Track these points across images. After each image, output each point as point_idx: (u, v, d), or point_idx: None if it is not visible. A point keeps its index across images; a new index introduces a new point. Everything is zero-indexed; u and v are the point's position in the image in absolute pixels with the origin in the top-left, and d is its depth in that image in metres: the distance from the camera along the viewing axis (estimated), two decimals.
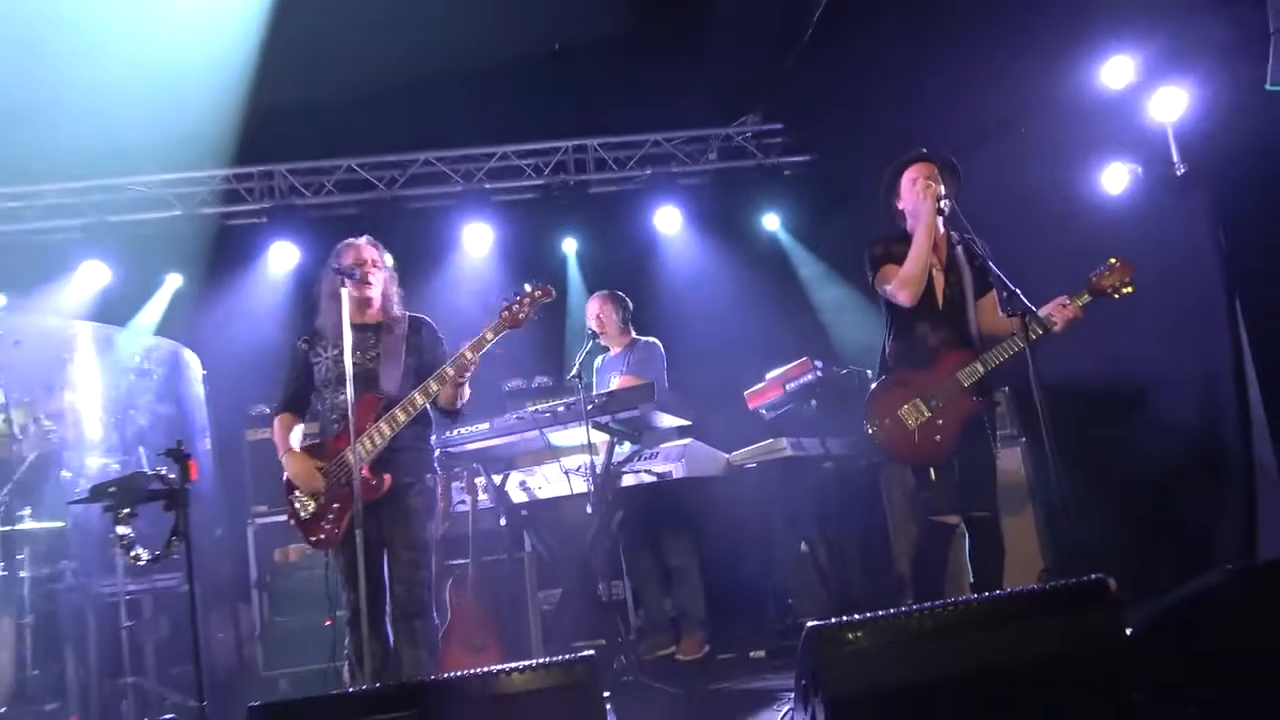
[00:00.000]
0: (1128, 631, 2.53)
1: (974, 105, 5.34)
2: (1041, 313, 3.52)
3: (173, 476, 3.23)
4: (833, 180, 6.75)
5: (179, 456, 3.17)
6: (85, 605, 4.83)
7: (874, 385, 3.91)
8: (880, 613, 2.55)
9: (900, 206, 3.92)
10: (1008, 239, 4.02)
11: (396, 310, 3.73)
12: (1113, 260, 3.65)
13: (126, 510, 3.37)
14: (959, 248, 3.86)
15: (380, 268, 3.71)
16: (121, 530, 3.35)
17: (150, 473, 3.33)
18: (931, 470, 3.72)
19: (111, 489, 3.31)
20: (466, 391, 3.67)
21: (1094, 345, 4.78)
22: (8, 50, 5.01)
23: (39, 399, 4.88)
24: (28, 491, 4.58)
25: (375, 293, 3.65)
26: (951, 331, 3.79)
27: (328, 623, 5.26)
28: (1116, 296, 3.64)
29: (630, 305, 5.33)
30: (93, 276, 6.21)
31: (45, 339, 3.27)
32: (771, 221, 7.06)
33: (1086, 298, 3.67)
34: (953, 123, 5.40)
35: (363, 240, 3.75)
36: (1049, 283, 3.75)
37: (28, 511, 4.55)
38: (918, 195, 3.77)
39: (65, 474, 4.76)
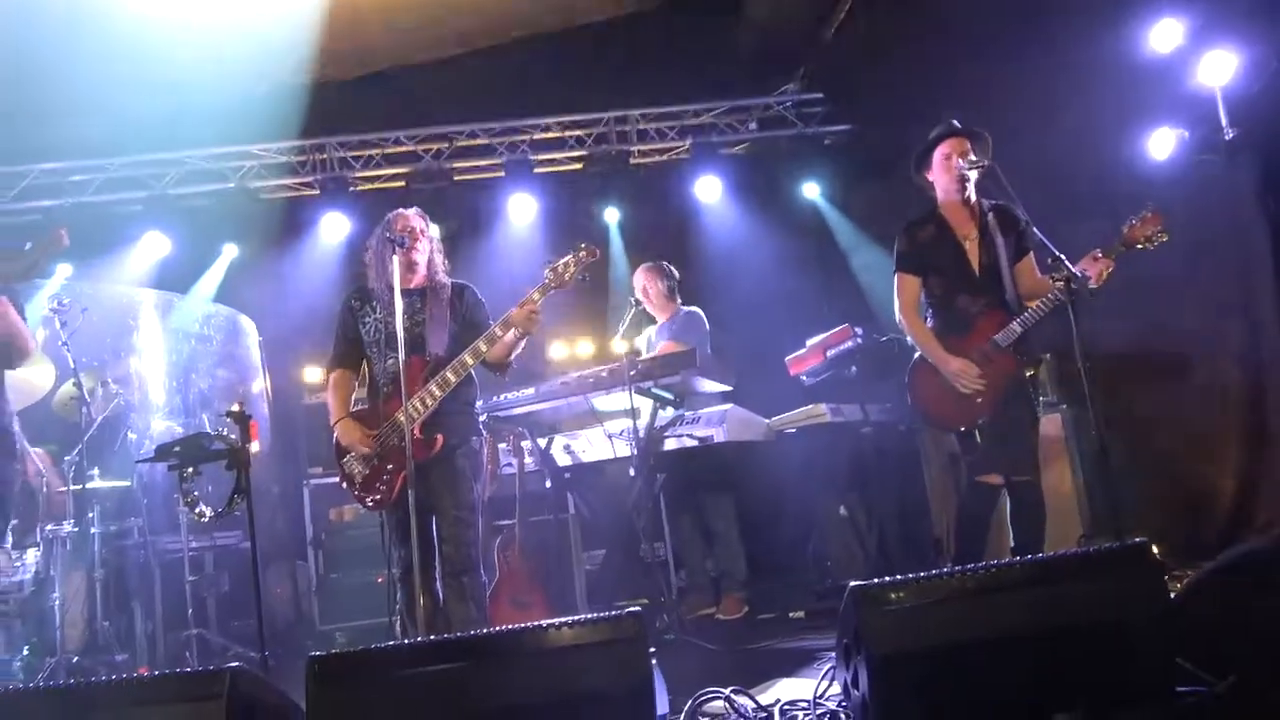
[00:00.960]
0: (1171, 595, 2.57)
1: (1016, 71, 5.28)
2: (1076, 270, 3.54)
3: (234, 437, 3.38)
4: (872, 149, 6.72)
5: (240, 417, 3.31)
6: (151, 561, 5.07)
7: (916, 356, 3.97)
8: (923, 573, 2.62)
9: (930, 178, 3.96)
10: (1050, 206, 4.03)
11: (441, 277, 3.83)
12: (1145, 211, 3.65)
13: (190, 469, 3.55)
14: (990, 214, 3.88)
15: (426, 236, 3.81)
16: (186, 489, 3.52)
17: (212, 433, 3.49)
18: (977, 433, 3.77)
19: (176, 448, 3.47)
20: (520, 347, 3.75)
21: (1138, 312, 4.77)
22: (72, 31, 5.18)
23: (106, 364, 5.09)
24: (96, 452, 4.78)
25: (421, 259, 3.75)
26: (990, 298, 3.84)
27: (379, 579, 5.48)
28: (1151, 246, 3.64)
29: (675, 275, 5.41)
30: (154, 247, 6.43)
31: (111, 307, 3.42)
32: (811, 190, 7.05)
33: (1121, 249, 3.68)
34: (994, 89, 5.35)
35: (410, 210, 3.87)
36: (1092, 249, 3.75)
37: (96, 471, 4.75)
38: (949, 175, 3.82)
39: (131, 436, 4.98)
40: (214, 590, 5.43)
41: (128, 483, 4.90)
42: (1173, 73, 4.88)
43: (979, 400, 3.78)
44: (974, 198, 3.88)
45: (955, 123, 3.92)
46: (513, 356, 3.76)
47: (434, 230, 3.91)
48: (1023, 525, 3.86)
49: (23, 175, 6.45)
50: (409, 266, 3.67)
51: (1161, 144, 4.98)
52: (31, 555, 3.39)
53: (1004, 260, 3.85)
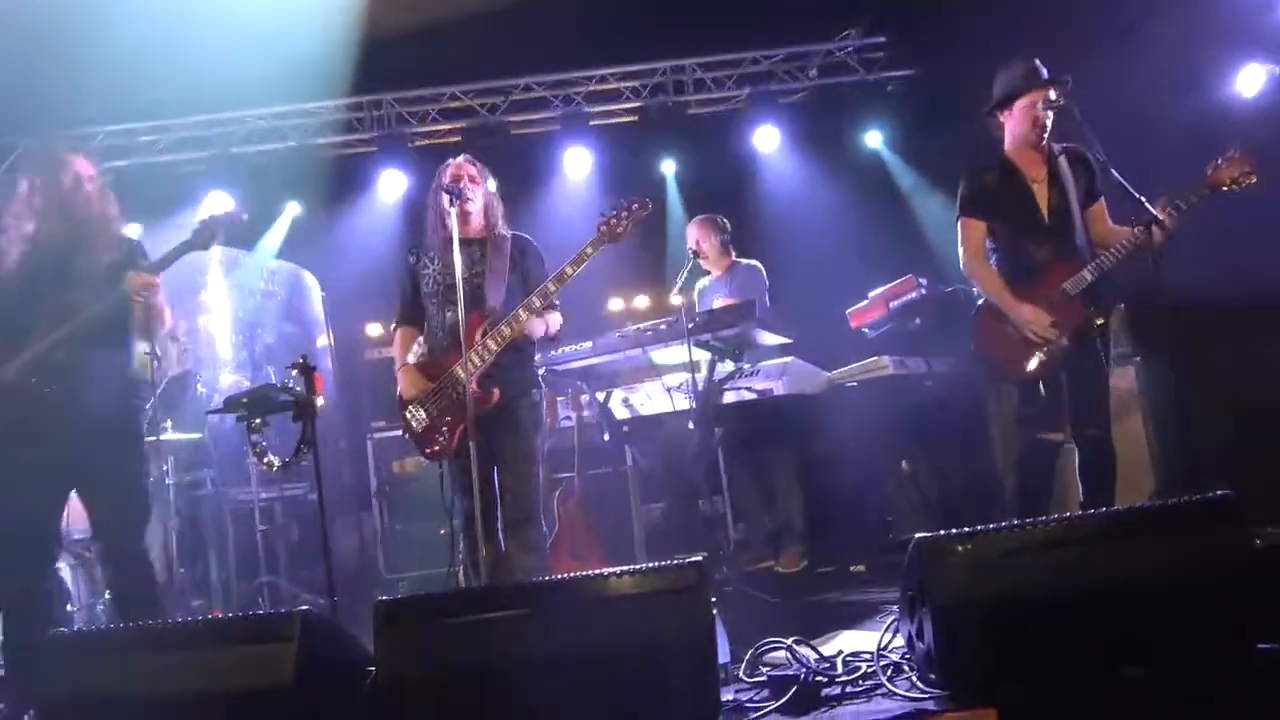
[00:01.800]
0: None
1: (1093, 6, 5.05)
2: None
3: (300, 389, 3.43)
4: (938, 94, 6.51)
5: (305, 370, 3.36)
6: (223, 511, 5.24)
7: (980, 303, 3.85)
8: (990, 526, 2.57)
9: (1003, 120, 3.79)
10: (1129, 148, 3.85)
11: (501, 227, 3.81)
12: (1231, 151, 3.46)
13: (258, 420, 3.62)
14: (1061, 157, 3.73)
15: (479, 183, 3.79)
16: (255, 439, 3.60)
17: (279, 385, 3.55)
18: (1041, 385, 3.66)
19: (244, 400, 3.54)
20: (556, 319, 3.75)
21: (1220, 258, 4.57)
22: None
23: (176, 320, 5.21)
24: (169, 406, 4.90)
25: (476, 208, 3.73)
26: (1059, 244, 3.69)
27: (442, 531, 5.57)
28: (1236, 189, 3.46)
29: (729, 228, 5.33)
30: (219, 205, 6.53)
31: (179, 264, 3.49)
32: (874, 138, 6.87)
33: (1205, 191, 3.50)
34: (1068, 26, 5.13)
35: (461, 158, 3.84)
36: (1174, 192, 3.59)
37: (169, 424, 4.88)
38: (1028, 124, 3.66)
39: (201, 389, 5.11)
40: (283, 539, 5.59)
41: (199, 435, 5.04)
42: (1263, 5, 4.63)
43: (1046, 350, 3.65)
44: (1047, 143, 3.72)
45: (1042, 70, 3.72)
46: (551, 332, 3.77)
47: (490, 179, 3.89)
48: (1092, 480, 3.75)
49: (92, 136, 6.59)
50: (463, 216, 3.64)
51: (1250, 80, 4.74)
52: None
53: (1075, 204, 3.69)
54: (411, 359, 3.76)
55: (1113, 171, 3.42)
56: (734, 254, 5.32)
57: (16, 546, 3.26)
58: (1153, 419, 4.85)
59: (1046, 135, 3.70)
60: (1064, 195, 3.69)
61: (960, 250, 3.84)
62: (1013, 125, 3.76)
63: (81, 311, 3.22)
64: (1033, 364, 3.68)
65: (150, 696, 2.48)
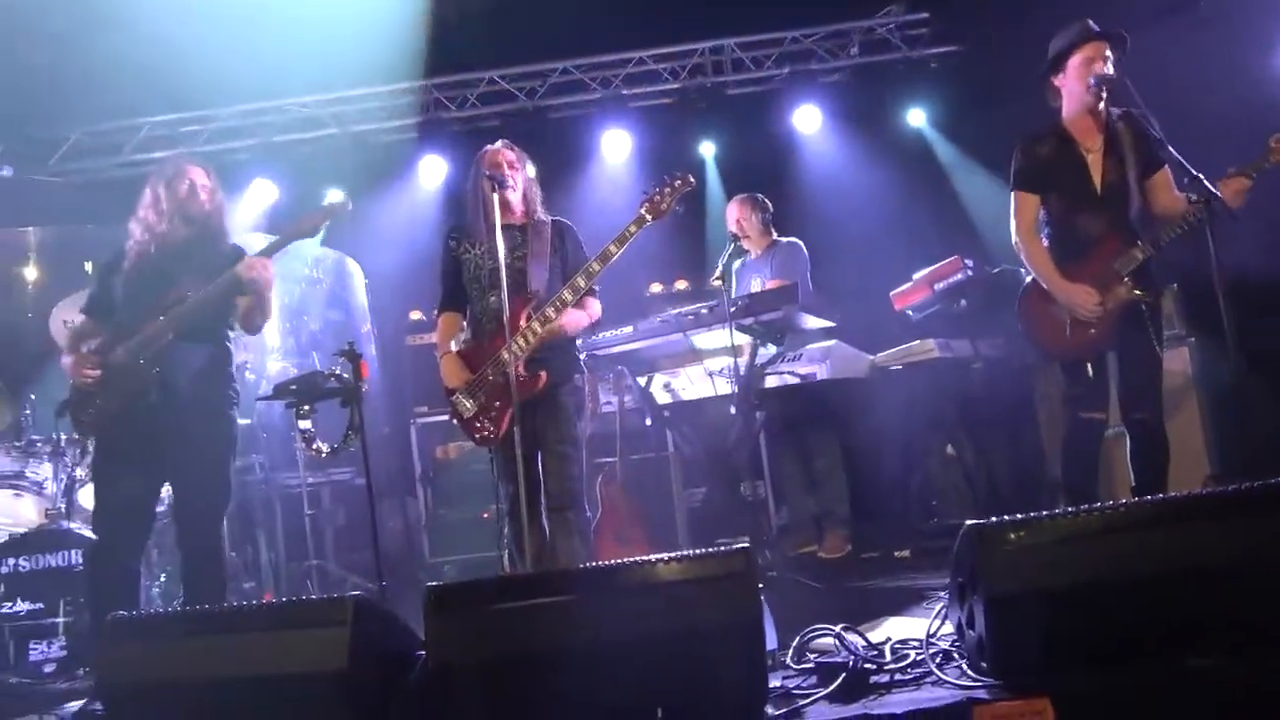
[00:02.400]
0: None
1: None
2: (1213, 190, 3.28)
3: (346, 376, 3.48)
4: (982, 71, 6.38)
5: (352, 356, 3.41)
6: (273, 495, 5.32)
7: (1028, 280, 3.77)
8: (1044, 512, 2.52)
9: (1058, 84, 3.67)
10: (1182, 123, 3.74)
11: (540, 212, 3.81)
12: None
13: (306, 406, 3.68)
14: (1120, 123, 3.59)
15: (519, 169, 3.79)
16: (303, 425, 3.66)
17: (326, 372, 3.61)
18: (1089, 366, 3.59)
19: (293, 387, 3.60)
20: (595, 306, 3.75)
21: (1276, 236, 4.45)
22: None
23: None
24: None
25: (516, 194, 3.73)
26: (1112, 218, 3.58)
27: (485, 515, 5.63)
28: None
29: (770, 207, 5.29)
30: (262, 194, 6.63)
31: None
32: (917, 117, 6.76)
33: (1265, 165, 3.38)
34: (1115, 3, 5.00)
35: (499, 144, 3.84)
36: (1228, 168, 3.48)
37: None
38: (1083, 84, 3.53)
39: (249, 376, 5.17)
40: (331, 523, 5.69)
41: (248, 420, 5.11)
42: None
43: (1094, 330, 3.57)
44: (1104, 108, 3.59)
45: (1094, 25, 3.60)
46: (592, 317, 3.77)
47: (529, 165, 3.89)
48: (1143, 465, 3.66)
49: (138, 128, 6.70)
50: (504, 202, 3.63)
51: None
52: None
53: (1132, 176, 3.57)
54: (455, 346, 3.77)
55: (1169, 149, 3.32)
56: (774, 233, 5.28)
57: (117, 528, 3.47)
58: (1208, 403, 4.75)
59: (1104, 97, 3.56)
60: (1120, 166, 3.57)
61: (1012, 223, 3.74)
62: (1069, 86, 3.63)
63: (187, 301, 3.45)
64: (1080, 344, 3.60)
65: (207, 679, 2.52)
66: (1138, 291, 3.55)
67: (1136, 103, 3.44)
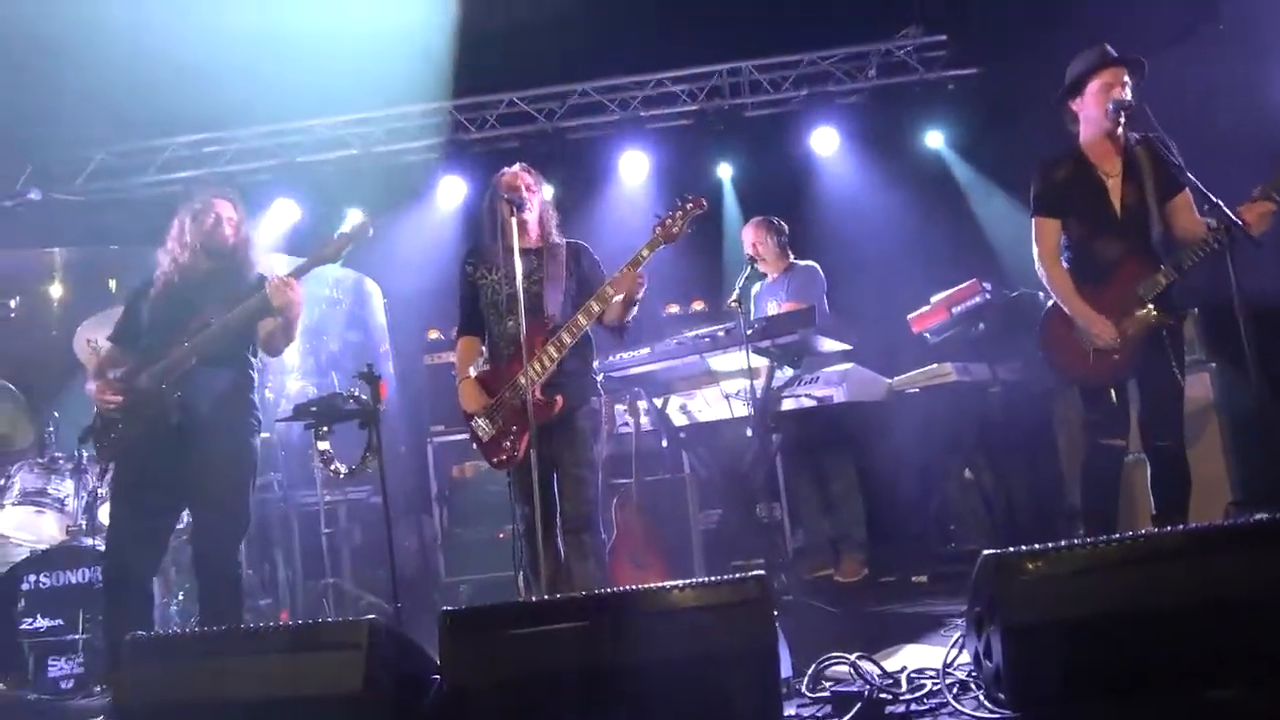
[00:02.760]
0: None
1: (1153, 6, 4.93)
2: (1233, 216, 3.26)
3: (365, 397, 3.51)
4: (1000, 93, 6.38)
5: (371, 379, 3.44)
6: (290, 513, 5.36)
7: (1049, 304, 3.75)
8: (1062, 543, 2.50)
9: (1076, 108, 3.67)
10: (1200, 148, 3.73)
11: (555, 235, 3.84)
12: None
13: (325, 428, 3.72)
14: (1139, 148, 3.58)
15: (535, 192, 3.81)
16: (322, 446, 3.69)
17: (345, 394, 3.64)
18: (1112, 392, 3.57)
19: (312, 409, 3.64)
20: (634, 309, 3.75)
21: None
22: (206, 8, 5.40)
23: None
24: None
25: (532, 217, 3.75)
26: (1132, 242, 3.56)
27: (501, 535, 5.64)
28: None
29: (786, 229, 5.30)
30: (284, 214, 6.70)
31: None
32: (935, 139, 6.75)
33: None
34: (1129, 25, 5.00)
35: (516, 167, 3.87)
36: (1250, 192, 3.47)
37: None
38: (1101, 110, 3.53)
39: (269, 395, 5.22)
40: (347, 541, 5.71)
41: (266, 435, 5.15)
42: None
43: (1116, 357, 3.54)
44: (1122, 132, 3.58)
45: (1112, 50, 3.60)
46: (629, 316, 3.74)
47: (546, 188, 3.92)
48: (1165, 493, 3.63)
49: (163, 149, 6.79)
50: (521, 226, 3.65)
51: None
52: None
53: (1152, 200, 3.55)
54: (473, 371, 3.79)
55: (1188, 174, 3.32)
56: (791, 255, 5.28)
57: (131, 550, 3.50)
58: (1229, 429, 4.70)
59: (1123, 122, 3.56)
60: (1140, 191, 3.56)
61: (1035, 249, 3.72)
62: (1086, 111, 3.63)
63: (210, 327, 3.51)
64: (1101, 370, 3.58)
65: (223, 700, 2.55)
66: (1159, 314, 3.52)
67: (1155, 127, 3.44)
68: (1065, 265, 3.70)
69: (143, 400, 3.51)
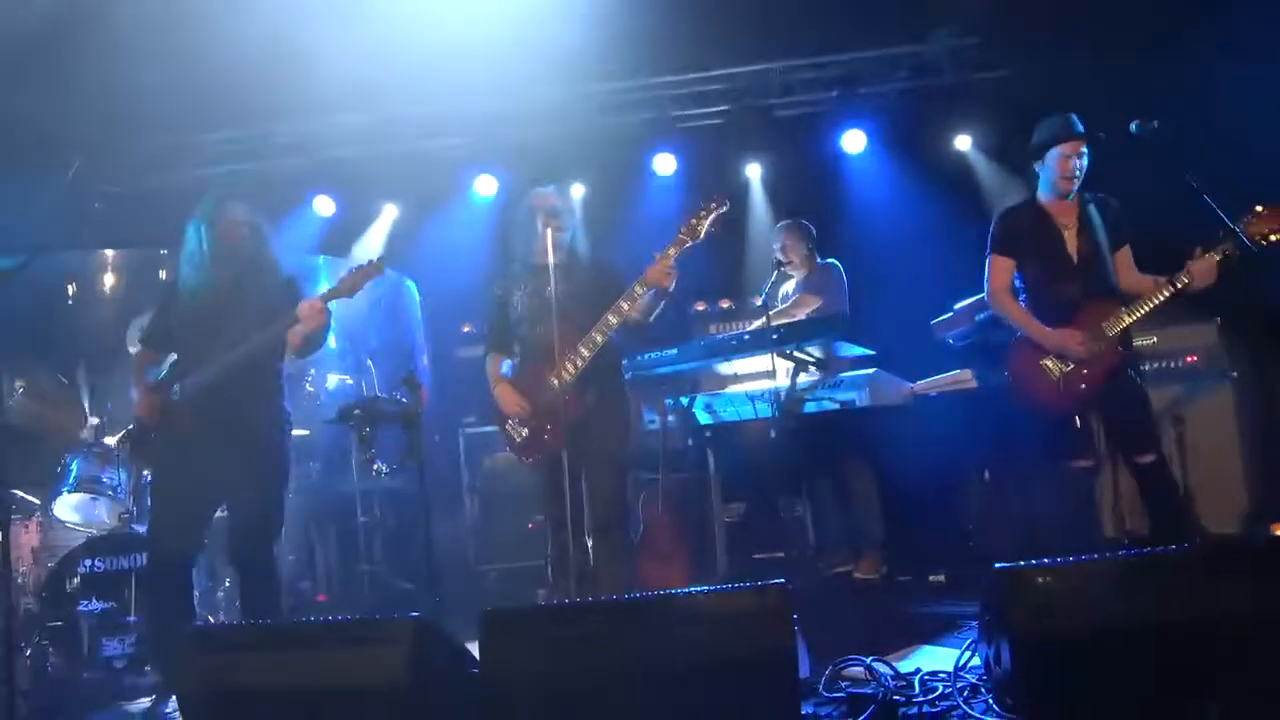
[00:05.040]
0: None
1: (1188, 13, 4.95)
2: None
3: (406, 401, 3.67)
4: (1030, 96, 6.37)
5: (413, 384, 3.60)
6: (328, 502, 5.56)
7: (1017, 336, 3.99)
8: (1071, 558, 2.62)
9: (1038, 169, 3.98)
10: (1224, 159, 3.86)
11: (582, 250, 3.98)
12: (1259, 207, 3.50)
13: (367, 429, 3.89)
14: (1091, 205, 3.91)
15: (569, 214, 3.97)
16: (366, 448, 3.86)
17: (388, 397, 3.81)
18: (1076, 418, 3.83)
19: (357, 411, 3.80)
20: (658, 308, 3.87)
21: None
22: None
23: None
24: None
25: (566, 237, 3.89)
26: (1090, 285, 3.85)
27: (531, 525, 5.82)
28: (1260, 245, 3.48)
29: (815, 234, 5.39)
30: (321, 209, 6.87)
31: (293, 271, 3.88)
32: (964, 142, 6.79)
33: (1233, 247, 3.57)
34: (1163, 30, 5.05)
35: (550, 189, 4.01)
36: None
37: None
38: (1060, 175, 3.86)
39: (309, 388, 5.41)
40: (381, 529, 5.90)
41: (306, 431, 5.35)
42: None
43: (1083, 387, 3.79)
44: (1076, 193, 3.92)
45: (1077, 124, 3.89)
46: (651, 317, 3.88)
47: (575, 207, 4.06)
48: (1158, 508, 3.83)
49: (202, 144, 6.95)
50: (555, 244, 3.79)
51: None
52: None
53: (1106, 248, 3.86)
54: (505, 375, 3.95)
55: (1205, 198, 3.42)
56: (818, 260, 5.38)
57: (167, 549, 3.66)
58: (1247, 439, 4.78)
59: (1076, 185, 3.90)
60: (1094, 240, 3.87)
61: (987, 285, 4.07)
62: (1046, 173, 3.94)
63: (243, 343, 3.59)
64: (1069, 397, 3.84)
65: (276, 690, 2.73)
66: (1123, 350, 3.80)
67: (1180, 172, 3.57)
68: (1028, 304, 4.00)
69: (175, 414, 3.64)
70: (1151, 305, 3.74)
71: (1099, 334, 3.77)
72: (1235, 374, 4.95)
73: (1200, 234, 3.67)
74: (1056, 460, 3.93)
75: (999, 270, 4.04)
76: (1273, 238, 3.46)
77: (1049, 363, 3.87)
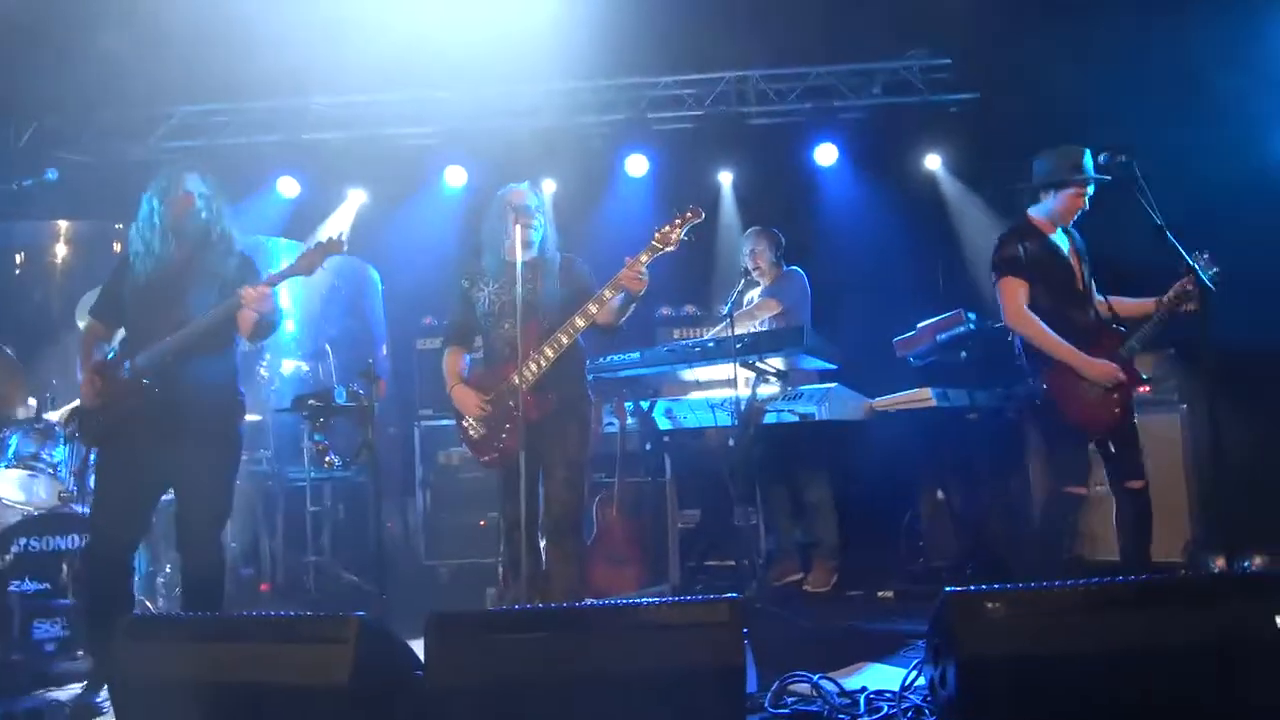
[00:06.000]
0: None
1: (1159, 53, 5.05)
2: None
3: (363, 394, 3.60)
4: (1000, 120, 6.49)
5: (370, 377, 3.53)
6: (278, 490, 5.45)
7: (1048, 366, 3.88)
8: (1020, 585, 2.64)
9: (1044, 199, 3.96)
10: (1191, 197, 3.95)
11: (552, 250, 3.94)
12: (1183, 281, 3.70)
13: (321, 419, 3.81)
14: (1073, 232, 4.01)
15: (540, 212, 3.92)
16: (318, 438, 3.79)
17: (344, 388, 3.73)
18: (1110, 443, 3.86)
19: (312, 401, 3.72)
20: (629, 310, 3.84)
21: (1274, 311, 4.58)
22: None
23: None
24: None
25: (537, 236, 3.86)
26: (1094, 312, 3.93)
27: (482, 523, 5.77)
28: (1187, 309, 3.67)
29: (783, 241, 5.41)
30: (286, 190, 6.74)
31: (253, 252, 3.77)
32: (933, 162, 6.87)
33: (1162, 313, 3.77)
34: (1132, 64, 5.14)
35: (524, 185, 3.96)
36: (1244, 255, 3.68)
37: None
38: (1068, 211, 3.91)
39: (263, 373, 5.31)
40: (330, 519, 5.81)
41: (259, 417, 5.24)
42: None
43: (1116, 410, 3.82)
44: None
45: (1090, 165, 3.88)
46: (622, 320, 3.86)
47: (547, 205, 4.03)
48: (1133, 534, 3.91)
49: (168, 115, 6.81)
50: (525, 242, 3.76)
51: None
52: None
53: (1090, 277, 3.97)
54: (462, 375, 3.91)
55: (1168, 235, 3.48)
56: (784, 267, 5.41)
57: (110, 533, 3.54)
58: (1194, 469, 4.87)
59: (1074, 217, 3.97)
60: (1088, 269, 3.97)
61: (1005, 307, 3.94)
62: (1053, 205, 3.94)
63: (193, 322, 3.48)
64: (1107, 420, 3.83)
65: (214, 685, 2.65)
66: (1137, 373, 3.90)
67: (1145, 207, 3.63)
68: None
69: (123, 393, 3.51)
70: (1151, 330, 3.82)
71: (1121, 359, 3.82)
72: (1185, 405, 5.06)
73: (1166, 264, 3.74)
74: (1063, 484, 3.88)
75: (1015, 292, 3.90)
76: (1185, 307, 3.67)
77: (1086, 385, 3.81)
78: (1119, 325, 3.93)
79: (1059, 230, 3.97)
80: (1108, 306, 3.98)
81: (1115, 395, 3.80)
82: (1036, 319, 3.87)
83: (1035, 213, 3.99)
